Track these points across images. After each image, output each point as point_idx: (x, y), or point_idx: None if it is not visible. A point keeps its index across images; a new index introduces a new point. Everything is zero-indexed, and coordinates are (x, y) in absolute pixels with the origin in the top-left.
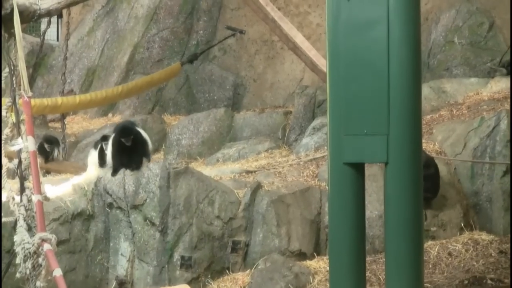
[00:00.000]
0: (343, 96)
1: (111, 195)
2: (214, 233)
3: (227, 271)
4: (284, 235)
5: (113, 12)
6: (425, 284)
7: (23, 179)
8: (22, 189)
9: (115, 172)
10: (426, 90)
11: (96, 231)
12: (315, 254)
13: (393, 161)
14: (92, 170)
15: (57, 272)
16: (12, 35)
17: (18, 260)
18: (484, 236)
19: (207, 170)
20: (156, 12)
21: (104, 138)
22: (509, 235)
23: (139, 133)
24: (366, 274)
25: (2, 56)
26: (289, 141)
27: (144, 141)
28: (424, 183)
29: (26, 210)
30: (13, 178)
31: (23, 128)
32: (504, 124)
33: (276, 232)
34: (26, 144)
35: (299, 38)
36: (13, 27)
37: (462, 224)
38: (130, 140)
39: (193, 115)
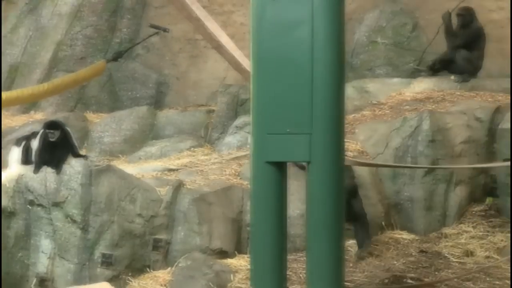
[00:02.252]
0: (267, 95)
1: (32, 192)
2: (135, 231)
3: (148, 269)
4: (206, 233)
5: (36, 10)
6: (345, 283)
7: None
8: None
9: (37, 169)
10: (349, 89)
11: (17, 228)
12: (236, 252)
13: (315, 160)
14: (13, 167)
15: None
16: None
17: None
18: (405, 236)
19: (129, 168)
20: (80, 10)
21: (32, 135)
22: (430, 234)
23: (67, 132)
24: (287, 273)
25: None
26: (212, 139)
27: (70, 140)
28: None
29: None
30: None
31: None
32: (426, 125)
33: (197, 230)
34: None
35: (224, 39)
36: None
37: (383, 224)
38: (56, 135)
39: (116, 113)
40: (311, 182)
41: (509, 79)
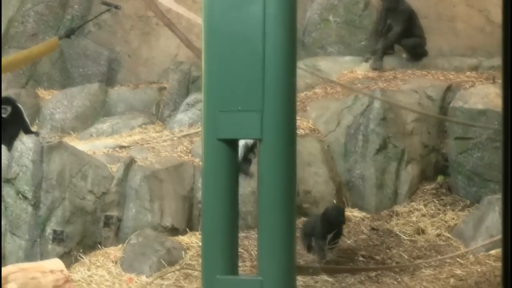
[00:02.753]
0: (218, 72)
1: None
2: (86, 207)
3: (99, 245)
4: (157, 210)
5: None
6: (297, 261)
7: None
8: None
9: None
10: (300, 68)
11: None
12: (187, 229)
13: (267, 138)
14: None
15: None
16: None
17: None
18: (356, 213)
19: (81, 144)
20: None
21: None
22: (381, 212)
23: (19, 109)
24: (239, 250)
25: None
26: (163, 117)
27: (22, 117)
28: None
29: None
30: None
31: None
32: (377, 103)
33: (149, 207)
34: None
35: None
36: None
37: (335, 201)
38: (8, 111)
39: (67, 90)
40: (263, 160)
41: (461, 58)
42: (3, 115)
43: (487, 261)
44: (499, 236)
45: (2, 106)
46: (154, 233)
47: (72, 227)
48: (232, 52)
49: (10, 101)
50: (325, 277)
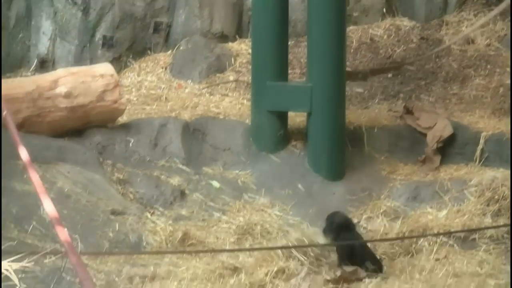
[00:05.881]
0: None
1: None
2: (136, 13)
3: (149, 51)
4: (207, 16)
5: None
6: (346, 68)
7: None
8: None
9: None
10: None
11: (17, 9)
12: (237, 36)
13: None
14: None
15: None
16: None
17: None
18: (406, 22)
19: None
20: None
21: None
22: (431, 22)
23: None
24: (288, 57)
25: None
26: None
27: None
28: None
29: None
30: None
31: None
32: None
33: (198, 14)
34: None
35: None
36: None
37: (384, 10)
38: None
39: None
40: None
41: None
42: None
43: None
44: None
45: None
46: (204, 40)
47: (122, 32)
48: None
49: None
50: (375, 83)
